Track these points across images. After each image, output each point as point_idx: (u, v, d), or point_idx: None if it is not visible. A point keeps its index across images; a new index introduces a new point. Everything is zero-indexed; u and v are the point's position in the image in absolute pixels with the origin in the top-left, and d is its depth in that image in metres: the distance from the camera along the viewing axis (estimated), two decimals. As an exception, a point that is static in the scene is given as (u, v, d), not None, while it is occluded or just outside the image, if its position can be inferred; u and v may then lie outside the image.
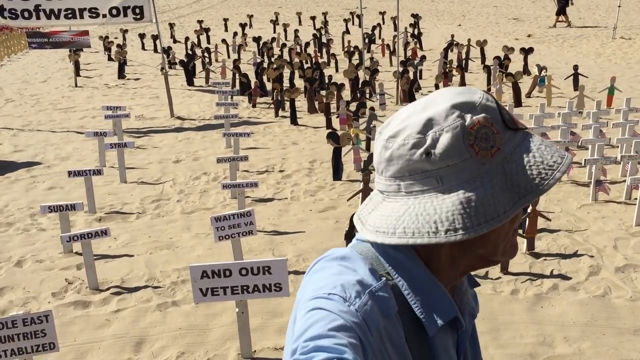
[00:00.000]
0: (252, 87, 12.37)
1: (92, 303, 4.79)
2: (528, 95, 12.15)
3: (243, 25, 22.69)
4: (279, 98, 11.31)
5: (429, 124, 0.99)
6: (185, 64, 14.68)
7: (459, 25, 26.21)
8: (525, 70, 14.17)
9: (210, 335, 4.32)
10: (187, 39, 19.54)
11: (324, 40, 18.95)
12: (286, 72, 13.55)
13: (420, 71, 13.97)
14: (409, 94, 11.57)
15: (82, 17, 10.25)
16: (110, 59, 18.49)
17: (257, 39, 18.59)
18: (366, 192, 5.73)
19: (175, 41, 21.94)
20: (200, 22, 23.57)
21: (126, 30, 22.05)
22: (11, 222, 6.51)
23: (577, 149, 8.07)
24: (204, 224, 6.23)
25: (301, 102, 11.70)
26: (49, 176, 8.09)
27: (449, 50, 16.47)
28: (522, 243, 5.40)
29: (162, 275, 5.21)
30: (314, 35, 19.38)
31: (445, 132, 0.97)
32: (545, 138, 7.92)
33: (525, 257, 5.32)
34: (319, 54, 17.31)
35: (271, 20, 25.10)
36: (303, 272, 4.34)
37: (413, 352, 1.02)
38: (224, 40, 18.85)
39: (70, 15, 10.20)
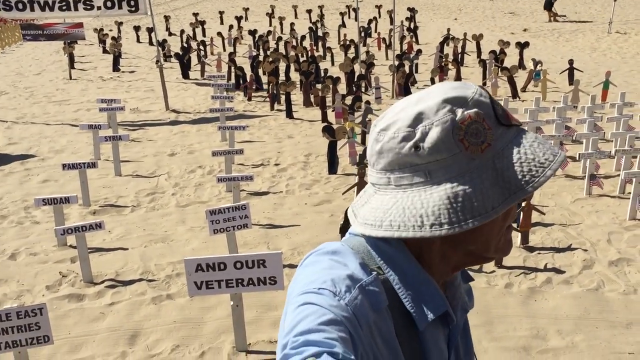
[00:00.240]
0: (248, 80, 12.34)
1: (87, 296, 4.79)
2: (523, 90, 12.16)
3: (239, 18, 22.59)
4: (275, 91, 11.29)
5: (419, 118, 0.99)
6: (181, 57, 14.63)
7: (455, 19, 26.18)
8: (521, 65, 14.18)
9: (205, 328, 4.33)
10: (182, 31, 19.46)
11: (319, 33, 18.92)
12: (282, 66, 13.52)
13: (416, 65, 13.96)
14: (404, 88, 11.56)
15: (76, 9, 10.19)
16: (105, 51, 18.40)
17: (252, 32, 18.54)
18: (361, 185, 5.73)
19: (170, 34, 21.85)
20: (195, 14, 23.47)
21: (121, 23, 21.94)
22: (5, 214, 6.49)
23: (571, 143, 8.09)
24: (198, 217, 6.22)
25: (297, 96, 11.68)
26: (43, 169, 8.07)
27: (445, 44, 16.46)
28: (516, 237, 5.42)
29: (157, 268, 5.21)
30: (310, 28, 19.34)
31: (435, 127, 0.97)
32: (540, 132, 7.94)
33: (520, 250, 5.34)
34: (314, 48, 17.27)
35: (267, 13, 25.03)
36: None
37: (403, 346, 1.02)
38: (219, 33, 18.78)
39: (64, 7, 10.14)
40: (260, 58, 14.47)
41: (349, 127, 7.97)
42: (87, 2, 10.18)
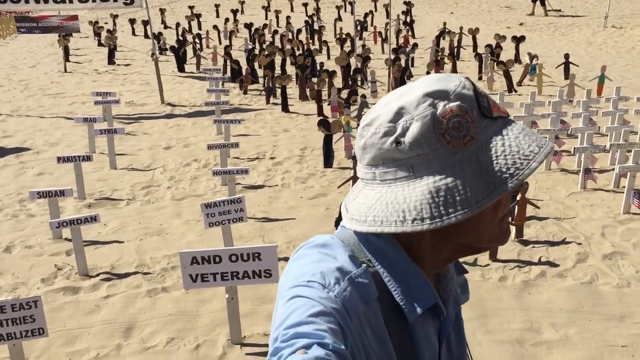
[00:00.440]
0: (244, 73, 12.31)
1: (82, 289, 4.78)
2: (519, 84, 12.18)
3: (235, 12, 22.53)
4: (270, 85, 11.28)
5: (400, 113, 0.98)
6: (176, 50, 14.58)
7: (451, 13, 26.16)
8: (517, 59, 14.19)
9: (200, 321, 4.33)
10: (178, 24, 19.40)
11: (315, 27, 18.88)
12: (278, 59, 13.49)
13: (412, 59, 13.96)
14: (400, 82, 11.55)
15: (71, 1, 10.15)
16: (100, 44, 18.33)
17: (248, 26, 18.49)
18: (356, 179, 5.73)
19: (166, 27, 21.77)
20: (191, 7, 23.40)
21: (116, 16, 21.83)
22: (0, 207, 6.48)
23: (566, 137, 8.11)
24: (194, 210, 6.22)
25: (292, 89, 11.66)
26: (38, 162, 8.04)
27: (441, 38, 16.46)
28: (510, 231, 5.43)
29: (152, 261, 5.21)
30: (306, 22, 19.30)
31: (415, 121, 0.96)
32: (535, 126, 7.95)
33: (514, 244, 5.36)
34: (310, 41, 17.24)
35: (263, 7, 24.96)
36: (293, 259, 4.35)
37: (393, 338, 1.02)
38: (215, 27, 18.72)
39: (59, 0, 10.09)
40: (256, 51, 14.44)
41: (345, 121, 7.97)
42: (82, -5, 10.13)
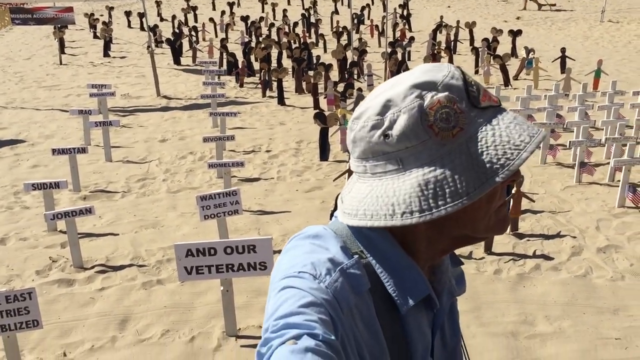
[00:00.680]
0: (240, 66, 12.27)
1: (77, 281, 4.78)
2: (515, 78, 12.17)
3: (231, 4, 22.43)
4: (267, 78, 11.25)
5: (387, 105, 0.97)
6: (172, 43, 14.53)
7: (448, 6, 26.12)
8: (513, 53, 14.19)
9: (195, 313, 4.33)
10: (174, 17, 19.31)
11: (312, 20, 18.83)
12: (274, 52, 13.46)
13: (409, 52, 13.94)
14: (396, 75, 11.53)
15: (66, -7, 10.08)
16: (95, 36, 18.24)
17: (245, 18, 18.43)
18: (352, 172, 5.73)
19: (162, 19, 21.68)
20: (187, 0, 23.28)
21: (112, 8, 21.73)
22: (-6, 200, 6.46)
23: (562, 131, 8.11)
24: (189, 203, 6.21)
25: (289, 83, 11.64)
26: (33, 154, 8.02)
27: (438, 32, 16.43)
28: (509, 220, 5.44)
29: (147, 254, 5.21)
30: (303, 15, 19.23)
31: (403, 114, 0.95)
32: (531, 120, 7.95)
33: (509, 237, 5.37)
34: (307, 34, 17.20)
35: (259, 0, 24.85)
36: (288, 251, 4.34)
37: (385, 329, 1.01)
38: (211, 19, 18.65)
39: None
40: (253, 44, 14.39)
41: (341, 114, 7.96)
42: (77, -14, 10.07)
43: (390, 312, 1.03)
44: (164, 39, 16.19)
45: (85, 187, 6.75)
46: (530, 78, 11.73)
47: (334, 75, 11.88)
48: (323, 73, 10.67)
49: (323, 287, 0.93)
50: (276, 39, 15.40)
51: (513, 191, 5.33)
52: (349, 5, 13.45)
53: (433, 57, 12.63)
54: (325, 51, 15.15)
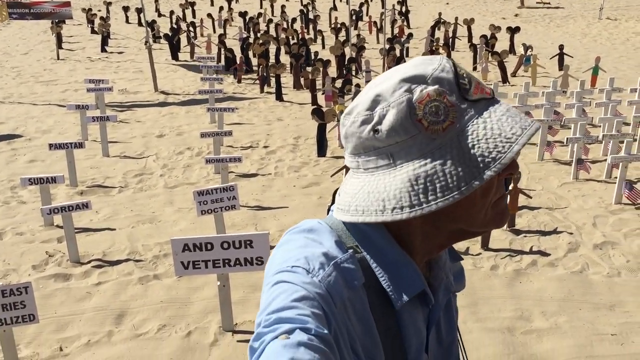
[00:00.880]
0: (238, 62, 12.26)
1: (73, 276, 4.77)
2: (513, 74, 12.18)
3: (229, 0, 22.39)
4: (265, 74, 11.23)
5: (376, 100, 0.96)
6: (170, 38, 14.50)
7: (447, 3, 26.09)
8: (512, 50, 14.19)
9: (192, 308, 4.33)
10: (172, 12, 19.28)
11: (310, 16, 18.80)
12: (272, 48, 13.44)
13: (407, 49, 13.93)
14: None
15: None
16: (93, 31, 18.20)
17: (243, 14, 18.40)
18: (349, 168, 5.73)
19: (160, 15, 21.64)
20: (185, -5, 23.21)
21: (110, 3, 21.67)
22: (-9, 194, 6.45)
23: (560, 127, 8.12)
24: (186, 198, 6.20)
25: (287, 78, 11.63)
26: (30, 149, 8.00)
27: (436, 29, 16.42)
28: (508, 213, 5.44)
29: (144, 248, 5.20)
30: (301, 11, 19.21)
31: (392, 109, 0.94)
32: (529, 117, 7.95)
33: (506, 233, 5.38)
34: (305, 30, 17.17)
35: (258, -5, 24.81)
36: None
37: (379, 324, 1.00)
38: (209, 15, 18.61)
39: (51, -14, 10.01)
40: (251, 40, 14.37)
41: (339, 110, 7.95)
42: (75, -19, 10.03)
43: (385, 307, 1.02)
44: (161, 34, 16.16)
45: (82, 182, 6.74)
46: (528, 75, 11.73)
47: (332, 71, 11.87)
48: (321, 69, 10.66)
49: (316, 282, 0.93)
50: (274, 35, 15.37)
51: (510, 187, 5.34)
52: (347, 2, 13.43)
53: (431, 53, 12.63)
54: (323, 47, 15.13)
